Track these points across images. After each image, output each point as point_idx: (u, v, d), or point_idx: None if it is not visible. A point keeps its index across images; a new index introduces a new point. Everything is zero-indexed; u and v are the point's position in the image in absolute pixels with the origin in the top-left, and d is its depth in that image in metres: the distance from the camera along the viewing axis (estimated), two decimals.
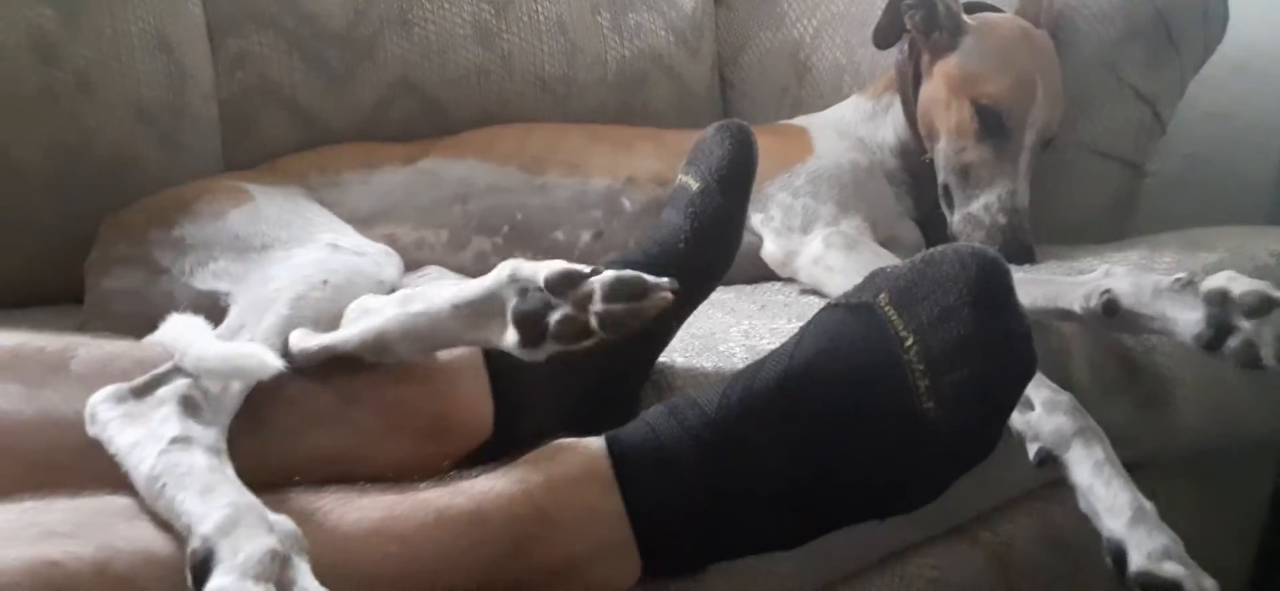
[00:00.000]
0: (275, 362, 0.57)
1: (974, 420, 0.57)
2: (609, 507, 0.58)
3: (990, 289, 0.56)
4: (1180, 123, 1.32)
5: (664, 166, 1.04)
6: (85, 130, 0.99)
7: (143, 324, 0.66)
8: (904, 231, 1.09)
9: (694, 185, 0.76)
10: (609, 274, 0.58)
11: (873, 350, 0.58)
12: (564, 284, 0.57)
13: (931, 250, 0.60)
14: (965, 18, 1.06)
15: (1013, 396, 0.59)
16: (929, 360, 0.56)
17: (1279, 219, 1.27)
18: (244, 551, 0.47)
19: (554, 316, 0.57)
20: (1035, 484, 0.88)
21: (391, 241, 0.95)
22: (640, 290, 0.57)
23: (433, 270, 0.96)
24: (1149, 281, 0.75)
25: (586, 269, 0.58)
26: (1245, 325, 0.69)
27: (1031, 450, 0.74)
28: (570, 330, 0.57)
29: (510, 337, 0.59)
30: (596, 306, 0.57)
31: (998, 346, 0.56)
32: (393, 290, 0.79)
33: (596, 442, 0.61)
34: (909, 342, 0.57)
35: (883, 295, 0.59)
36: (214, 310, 0.72)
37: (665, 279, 0.58)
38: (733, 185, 0.76)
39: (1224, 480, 1.11)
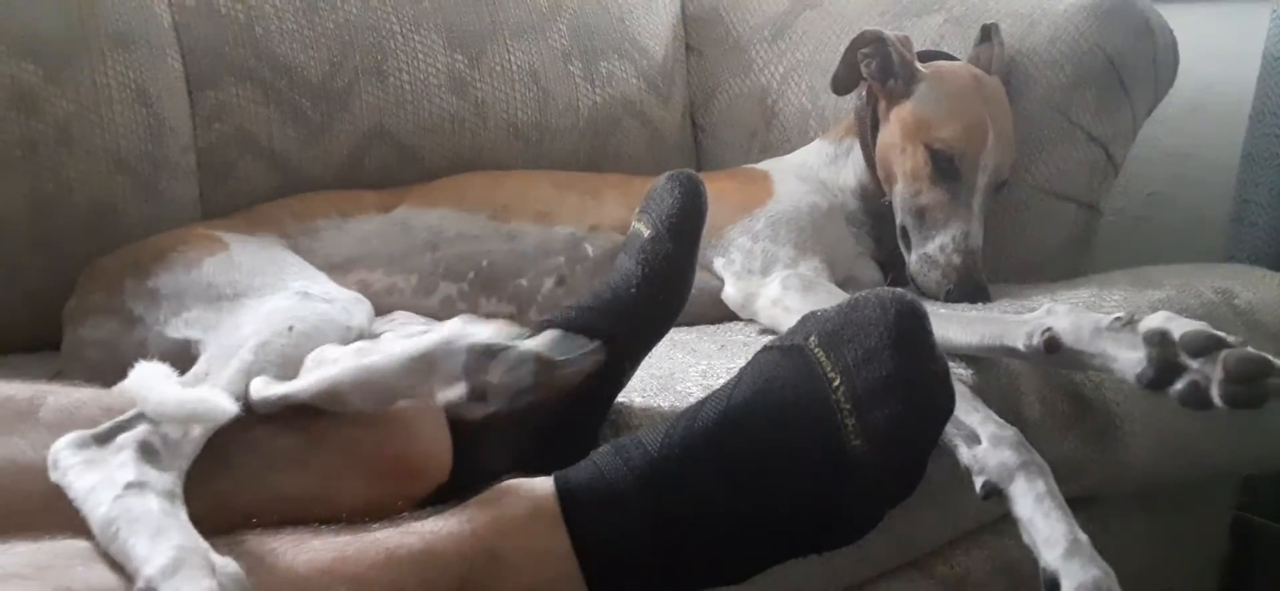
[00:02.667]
0: (230, 407, 0.59)
1: (898, 455, 0.60)
2: (556, 545, 0.61)
3: (909, 331, 0.59)
4: (1141, 162, 1.34)
5: (629, 213, 1.07)
6: (65, 181, 1.01)
7: (116, 372, 0.67)
8: (864, 271, 1.11)
9: (646, 232, 0.79)
10: (543, 338, 0.61)
11: (804, 390, 0.61)
12: (500, 348, 0.60)
13: (856, 295, 0.62)
14: (919, 66, 1.09)
15: (934, 431, 0.61)
16: (855, 399, 0.59)
17: (1236, 255, 1.29)
18: None
19: (495, 374, 0.60)
20: (989, 518, 0.90)
21: (364, 287, 0.98)
22: (571, 351, 0.61)
23: (400, 315, 0.98)
24: (1088, 320, 0.76)
25: (517, 333, 0.61)
26: (1193, 365, 0.68)
27: (977, 483, 0.75)
28: (511, 387, 0.60)
29: (457, 392, 0.61)
30: (530, 366, 0.60)
31: (917, 385, 0.59)
32: (362, 336, 0.81)
33: (545, 482, 0.63)
34: (836, 383, 0.60)
35: (813, 337, 0.62)
36: (187, 359, 0.73)
37: (594, 342, 0.61)
38: (682, 232, 0.78)
39: (1180, 513, 1.12)
